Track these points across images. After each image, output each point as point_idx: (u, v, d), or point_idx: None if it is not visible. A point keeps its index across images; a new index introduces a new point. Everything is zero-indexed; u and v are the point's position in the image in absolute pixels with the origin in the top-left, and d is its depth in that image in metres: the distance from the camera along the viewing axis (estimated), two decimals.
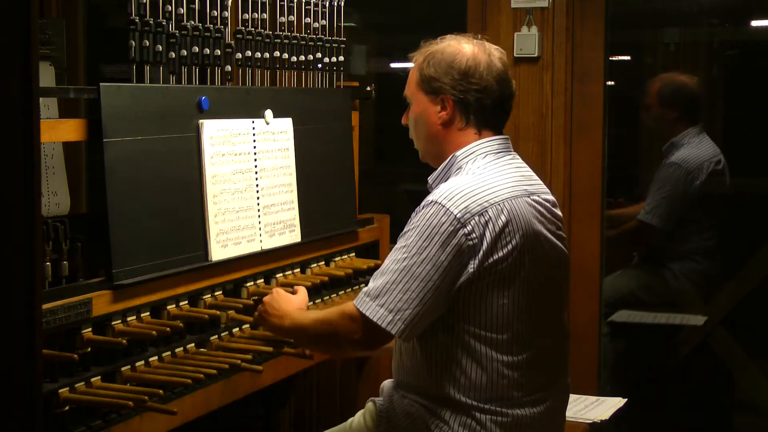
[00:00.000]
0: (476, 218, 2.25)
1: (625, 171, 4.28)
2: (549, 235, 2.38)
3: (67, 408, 2.15)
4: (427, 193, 2.38)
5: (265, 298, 2.53)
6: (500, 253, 2.26)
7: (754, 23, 4.28)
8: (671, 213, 4.02)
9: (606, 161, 3.83)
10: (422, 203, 2.31)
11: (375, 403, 2.49)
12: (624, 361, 4.18)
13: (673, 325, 4.15)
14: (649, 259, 4.20)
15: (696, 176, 4.01)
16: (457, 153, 2.40)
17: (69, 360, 2.13)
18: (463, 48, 2.41)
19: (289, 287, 2.67)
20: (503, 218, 2.26)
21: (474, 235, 2.24)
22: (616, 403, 3.18)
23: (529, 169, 2.47)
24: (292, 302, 2.51)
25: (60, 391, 2.14)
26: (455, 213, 2.24)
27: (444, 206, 2.25)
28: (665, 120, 4.09)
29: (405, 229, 2.31)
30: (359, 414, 2.54)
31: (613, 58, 3.96)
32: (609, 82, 3.85)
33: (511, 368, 2.31)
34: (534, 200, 2.36)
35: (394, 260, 2.28)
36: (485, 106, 2.40)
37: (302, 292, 2.60)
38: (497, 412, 2.30)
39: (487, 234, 2.25)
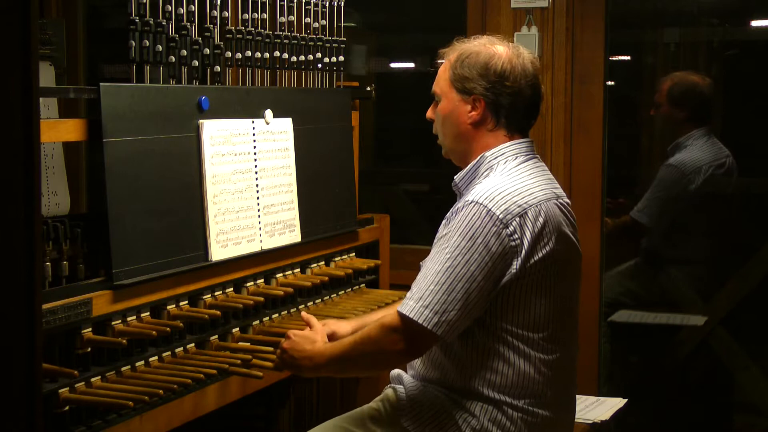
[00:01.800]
0: (517, 219, 2.27)
1: (625, 171, 4.27)
2: (573, 238, 2.42)
3: (67, 408, 2.15)
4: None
5: (285, 344, 2.46)
6: (540, 254, 2.29)
7: (754, 23, 4.28)
8: (661, 213, 4.02)
9: (606, 161, 3.83)
10: (460, 204, 2.32)
11: (395, 391, 2.48)
12: (624, 361, 4.18)
13: (673, 325, 4.15)
14: (646, 260, 4.20)
15: (692, 180, 4.00)
16: (487, 153, 2.41)
17: (69, 375, 2.14)
18: (498, 50, 2.42)
19: (300, 322, 2.61)
20: (541, 220, 2.30)
21: (516, 235, 2.27)
22: (616, 403, 3.18)
23: (549, 172, 2.50)
24: (315, 339, 2.45)
25: (60, 391, 2.14)
26: (497, 213, 2.26)
27: (485, 206, 2.27)
28: (673, 119, 4.08)
29: (443, 231, 2.32)
30: (376, 401, 2.52)
31: (613, 58, 3.96)
32: (609, 82, 3.85)
33: (546, 365, 2.34)
34: (561, 203, 2.40)
35: (436, 262, 2.28)
36: (518, 109, 2.42)
37: (315, 322, 2.55)
38: (528, 411, 2.33)
39: (528, 235, 2.27)
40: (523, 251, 2.27)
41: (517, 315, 2.31)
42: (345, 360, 2.39)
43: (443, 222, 2.35)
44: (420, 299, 2.25)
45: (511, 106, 2.40)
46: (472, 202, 2.29)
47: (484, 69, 2.39)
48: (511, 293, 2.29)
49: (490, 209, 2.26)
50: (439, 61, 2.51)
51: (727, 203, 4.12)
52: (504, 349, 2.32)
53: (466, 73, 2.41)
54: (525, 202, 2.30)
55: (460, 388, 2.36)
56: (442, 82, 2.47)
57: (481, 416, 2.32)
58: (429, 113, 2.53)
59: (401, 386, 2.48)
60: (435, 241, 2.34)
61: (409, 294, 2.30)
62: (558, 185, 2.48)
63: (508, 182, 2.33)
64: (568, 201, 2.46)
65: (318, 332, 2.49)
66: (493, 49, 2.42)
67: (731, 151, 4.03)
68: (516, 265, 2.27)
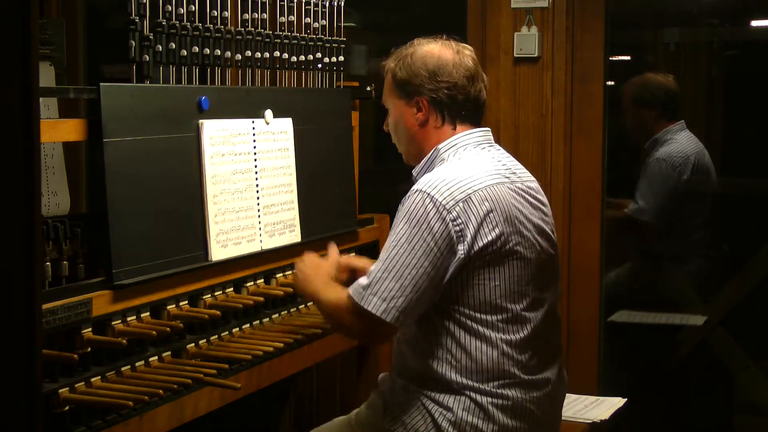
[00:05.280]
0: (460, 204, 2.31)
1: (625, 171, 4.28)
2: (534, 219, 2.44)
3: (67, 408, 2.15)
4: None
5: (297, 260, 2.64)
6: (487, 238, 2.32)
7: (754, 23, 4.28)
8: (663, 209, 4.02)
9: (606, 161, 3.83)
10: (408, 193, 2.37)
11: (378, 395, 2.53)
12: (624, 361, 4.18)
13: (673, 325, 4.15)
14: (644, 260, 4.20)
15: (682, 171, 4.00)
16: (440, 146, 2.48)
17: (69, 360, 2.13)
18: (431, 48, 2.49)
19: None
20: (487, 204, 2.33)
21: (460, 220, 2.30)
22: (616, 403, 3.19)
23: (512, 158, 2.54)
24: (320, 267, 2.57)
25: (60, 391, 2.14)
26: (440, 200, 2.31)
27: (429, 194, 2.32)
28: (644, 119, 4.08)
29: (395, 220, 2.38)
30: (363, 406, 2.56)
31: (613, 58, 3.96)
32: (609, 82, 3.85)
33: (510, 346, 2.36)
34: (517, 187, 2.43)
35: (385, 250, 2.34)
36: (457, 101, 2.47)
37: (332, 252, 2.66)
38: (498, 394, 2.34)
39: (472, 219, 2.31)
40: (469, 236, 2.30)
41: (471, 298, 2.34)
42: (318, 305, 2.52)
43: (397, 212, 2.40)
44: (369, 287, 2.31)
45: (450, 99, 2.47)
46: (416, 190, 2.35)
47: (419, 68, 2.47)
48: (463, 277, 2.33)
49: (433, 196, 2.31)
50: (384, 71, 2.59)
51: (727, 203, 4.12)
52: (462, 333, 2.35)
53: (405, 76, 2.49)
54: (469, 187, 2.34)
55: (432, 379, 2.38)
56: (386, 92, 2.57)
57: (455, 408, 2.35)
58: (385, 126, 2.62)
59: (384, 390, 2.52)
60: (390, 229, 2.40)
61: (362, 279, 2.35)
62: (520, 169, 2.51)
63: (454, 171, 2.38)
64: (530, 185, 2.48)
65: (329, 262, 2.61)
66: (425, 48, 2.50)
67: (730, 151, 4.03)
68: (462, 249, 2.30)
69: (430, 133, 2.49)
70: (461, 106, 2.48)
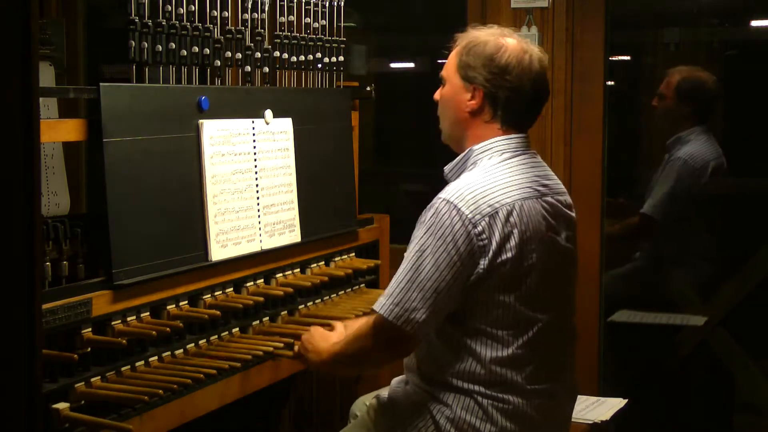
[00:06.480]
0: (486, 219, 2.27)
1: (625, 171, 4.28)
2: (557, 237, 2.40)
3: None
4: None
5: (303, 336, 2.58)
6: (509, 254, 2.29)
7: (754, 23, 4.28)
8: (673, 208, 4.01)
9: (606, 161, 3.83)
10: (434, 200, 2.33)
11: (378, 398, 2.53)
12: (624, 361, 4.18)
13: (673, 325, 4.15)
14: (645, 260, 4.20)
15: (701, 174, 4.00)
16: (475, 147, 2.42)
17: (69, 360, 2.13)
18: (506, 43, 2.41)
19: (327, 325, 2.66)
20: (512, 220, 2.29)
21: (484, 235, 2.27)
22: (617, 403, 3.19)
23: (546, 167, 2.49)
24: (329, 338, 2.53)
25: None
26: (466, 213, 2.27)
27: (455, 206, 2.28)
28: (676, 113, 4.06)
29: (417, 227, 2.34)
30: (363, 411, 2.56)
31: (613, 58, 3.95)
32: (609, 82, 3.85)
33: (516, 360, 2.34)
34: (546, 201, 2.39)
35: (407, 260, 2.30)
36: (515, 105, 2.41)
37: (339, 328, 2.61)
38: (500, 398, 2.34)
39: (496, 234, 2.27)
40: (491, 251, 2.27)
41: (486, 312, 2.32)
42: (341, 357, 2.45)
43: (420, 217, 2.36)
44: (391, 296, 2.29)
45: (508, 100, 2.40)
46: (443, 200, 2.30)
47: (488, 60, 2.40)
48: (480, 291, 2.30)
49: (459, 208, 2.27)
50: (453, 44, 2.52)
51: (727, 203, 4.12)
52: (475, 344, 2.33)
53: (471, 62, 2.42)
54: (497, 201, 2.30)
55: (436, 380, 2.38)
56: (449, 67, 2.49)
57: (454, 405, 2.34)
58: (436, 94, 2.55)
59: (385, 390, 2.52)
60: (412, 236, 2.36)
61: (385, 291, 2.33)
62: (553, 182, 2.46)
63: (484, 180, 2.34)
64: (560, 199, 2.44)
65: (335, 333, 2.56)
66: (502, 41, 2.42)
67: (730, 151, 4.03)
68: (483, 264, 2.27)
69: (477, 124, 2.43)
70: (517, 111, 2.42)
